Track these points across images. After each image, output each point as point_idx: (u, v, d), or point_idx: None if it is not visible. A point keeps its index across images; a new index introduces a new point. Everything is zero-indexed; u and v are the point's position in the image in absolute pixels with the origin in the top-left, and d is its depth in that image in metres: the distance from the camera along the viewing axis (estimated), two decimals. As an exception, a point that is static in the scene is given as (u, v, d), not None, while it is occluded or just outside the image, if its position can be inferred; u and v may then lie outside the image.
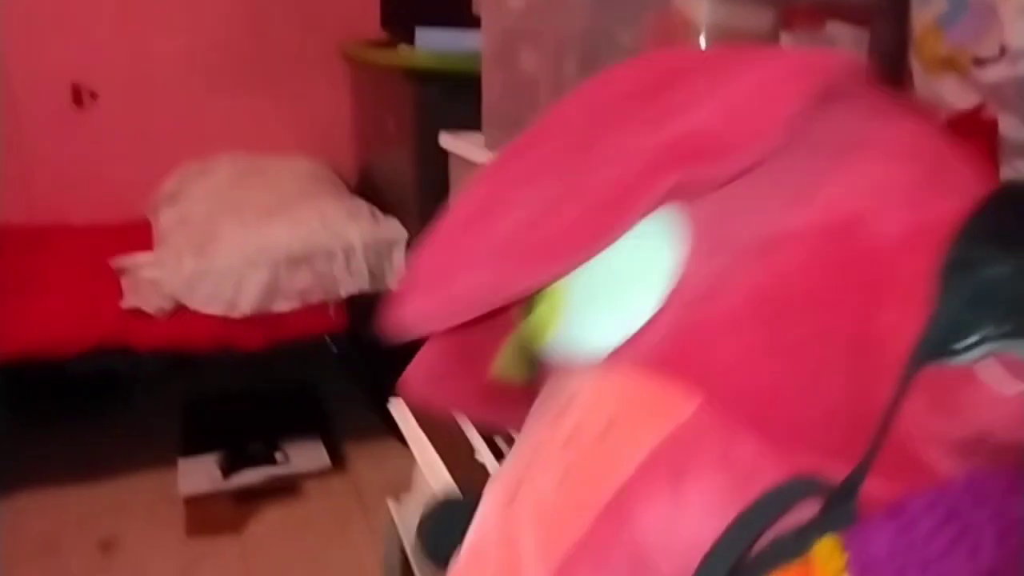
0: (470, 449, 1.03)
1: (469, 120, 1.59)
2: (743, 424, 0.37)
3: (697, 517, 0.37)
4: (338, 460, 2.07)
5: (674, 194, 0.37)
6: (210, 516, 1.85)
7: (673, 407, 0.38)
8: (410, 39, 1.84)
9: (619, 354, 0.41)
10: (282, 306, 1.88)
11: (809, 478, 0.36)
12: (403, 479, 1.97)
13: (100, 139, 2.40)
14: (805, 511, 0.36)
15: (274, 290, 1.86)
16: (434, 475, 0.96)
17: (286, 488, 1.96)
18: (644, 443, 0.38)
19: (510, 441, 0.94)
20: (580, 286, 0.42)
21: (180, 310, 1.82)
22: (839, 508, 0.36)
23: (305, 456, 2.05)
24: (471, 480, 0.92)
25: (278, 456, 2.03)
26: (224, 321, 1.83)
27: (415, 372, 0.54)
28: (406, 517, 1.08)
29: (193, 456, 2.02)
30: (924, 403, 0.35)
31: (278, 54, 2.53)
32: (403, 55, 1.90)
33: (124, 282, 1.84)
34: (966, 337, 0.34)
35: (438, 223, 0.45)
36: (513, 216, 0.41)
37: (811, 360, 0.37)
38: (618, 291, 0.42)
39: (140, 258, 1.90)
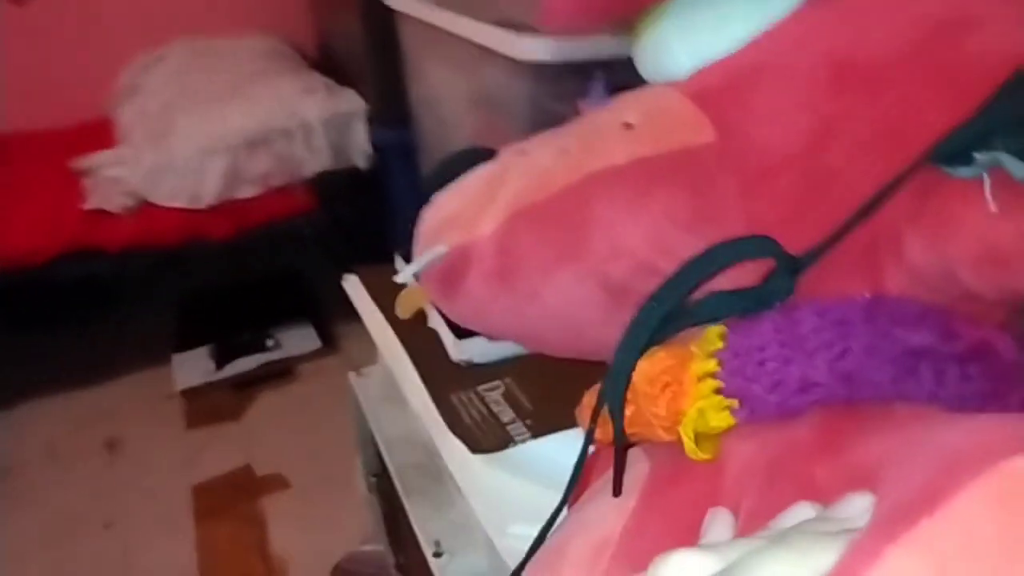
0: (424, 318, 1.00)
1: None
2: (741, 168, 0.38)
3: (646, 228, 0.39)
4: (329, 340, 2.08)
5: None
6: (208, 407, 1.88)
7: (689, 133, 0.39)
8: None
9: (688, 79, 0.43)
10: (246, 192, 1.82)
11: (766, 241, 0.37)
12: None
13: (47, 37, 2.28)
14: (747, 273, 0.37)
15: (236, 176, 1.80)
16: (389, 350, 0.93)
17: (280, 373, 1.98)
18: (643, 149, 0.40)
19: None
20: (679, 9, 0.44)
21: (146, 206, 1.78)
22: (778, 281, 0.36)
23: (296, 340, 2.06)
24: (422, 348, 0.88)
25: (269, 342, 2.03)
26: (190, 213, 1.79)
27: None
28: (366, 388, 1.07)
29: (186, 351, 2.03)
30: (908, 207, 0.35)
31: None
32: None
33: (86, 183, 1.79)
34: (988, 147, 0.32)
35: None
36: None
37: (838, 133, 0.37)
38: (712, 23, 0.43)
39: (101, 157, 1.84)
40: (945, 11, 0.38)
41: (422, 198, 0.51)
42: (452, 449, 0.68)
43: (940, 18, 0.38)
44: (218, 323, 2.15)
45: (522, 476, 0.63)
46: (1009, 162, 0.32)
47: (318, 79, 1.98)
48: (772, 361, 0.35)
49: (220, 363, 1.97)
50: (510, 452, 0.66)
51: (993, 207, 0.32)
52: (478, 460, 0.66)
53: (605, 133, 0.42)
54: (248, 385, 1.94)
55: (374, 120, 1.86)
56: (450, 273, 0.45)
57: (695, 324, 0.38)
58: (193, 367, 1.97)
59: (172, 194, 1.77)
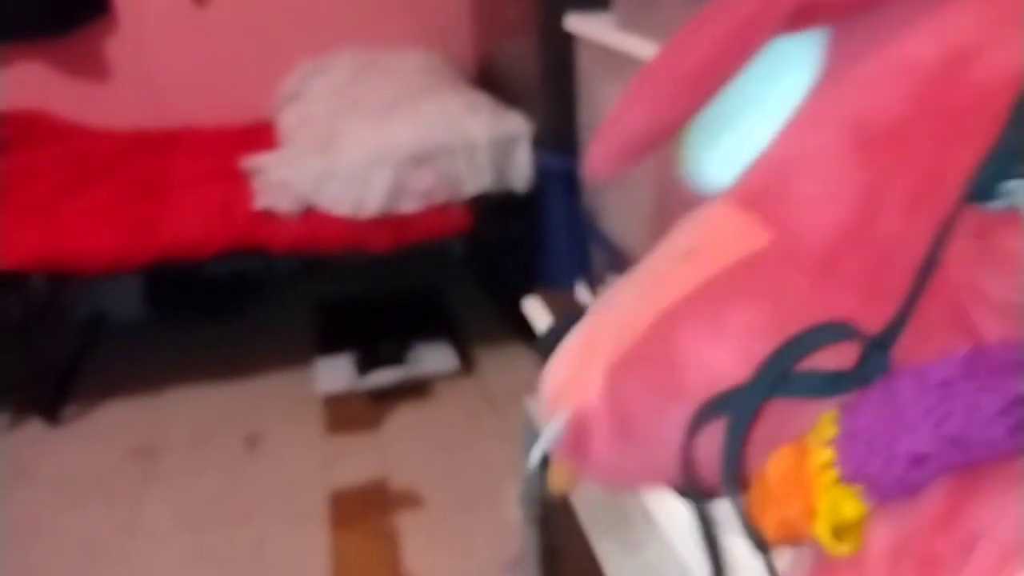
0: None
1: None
2: (799, 261, 0.38)
3: (731, 346, 0.39)
4: (465, 362, 2.07)
5: (800, 19, 0.38)
6: (347, 413, 1.90)
7: (746, 239, 0.40)
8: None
9: (727, 191, 0.43)
10: (407, 206, 1.84)
11: (846, 324, 0.36)
12: (530, 383, 1.96)
13: (220, 38, 2.39)
14: (841, 356, 0.37)
15: (399, 190, 1.82)
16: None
17: (417, 388, 1.98)
18: (707, 270, 0.40)
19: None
20: (701, 126, 0.44)
21: (309, 211, 1.82)
22: (872, 361, 0.36)
23: (435, 358, 2.06)
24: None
25: (409, 357, 2.04)
26: (352, 222, 1.82)
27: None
28: (542, 416, 1.04)
29: (328, 356, 2.06)
30: (971, 251, 0.34)
31: (392, -59, 2.42)
32: (526, -69, 1.75)
33: (255, 183, 1.84)
34: (1018, 174, 0.32)
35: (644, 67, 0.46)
36: (668, 48, 0.43)
37: (880, 199, 0.37)
38: (736, 128, 0.43)
39: (268, 158, 1.90)
40: (939, 50, 0.37)
41: (542, 343, 0.53)
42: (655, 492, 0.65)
43: (936, 58, 0.37)
44: (359, 330, 2.17)
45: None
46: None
47: (483, 98, 1.99)
48: (880, 438, 0.34)
49: (362, 371, 1.99)
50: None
51: None
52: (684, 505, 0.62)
53: (669, 266, 0.43)
54: (386, 396, 1.95)
55: (538, 144, 1.85)
56: (576, 443, 0.46)
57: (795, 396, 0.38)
58: (335, 372, 2.00)
59: (337, 201, 1.80)
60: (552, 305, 1.02)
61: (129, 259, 1.77)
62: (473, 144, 1.83)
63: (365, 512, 1.61)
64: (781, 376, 0.37)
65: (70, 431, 1.93)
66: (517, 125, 1.88)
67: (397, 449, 1.78)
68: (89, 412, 1.98)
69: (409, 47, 2.40)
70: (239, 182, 1.86)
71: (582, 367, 0.45)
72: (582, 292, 1.09)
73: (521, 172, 1.88)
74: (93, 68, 2.33)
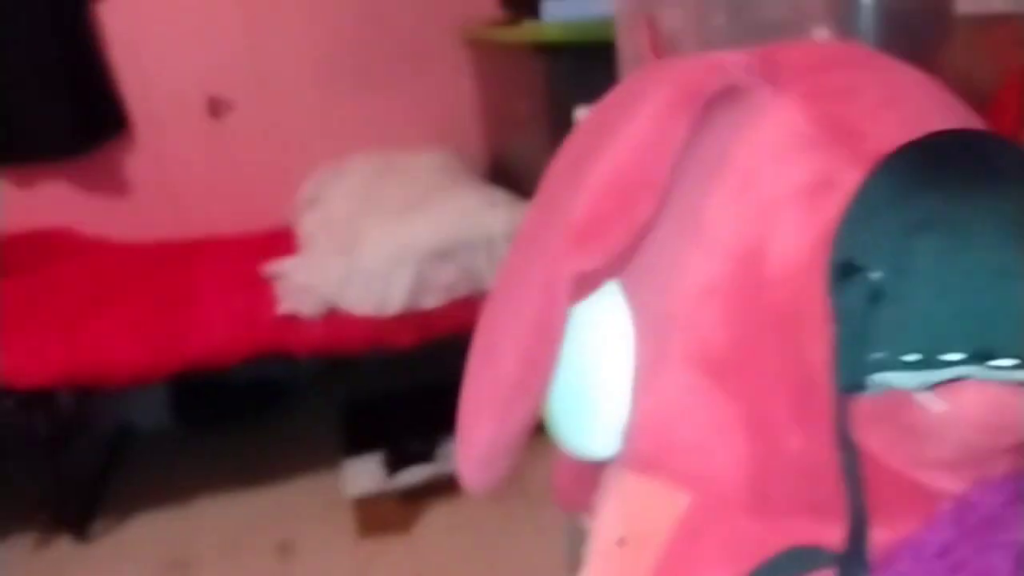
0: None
1: (604, 92, 1.51)
2: (730, 507, 0.37)
3: None
4: (495, 454, 2.04)
5: (582, 288, 0.37)
6: (378, 516, 1.87)
7: (665, 510, 0.38)
8: (534, 13, 1.77)
9: (622, 457, 0.41)
10: (430, 302, 1.86)
11: (805, 549, 0.35)
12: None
13: (238, 149, 2.46)
14: None
15: (421, 286, 1.84)
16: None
17: (449, 486, 1.95)
18: (649, 556, 0.38)
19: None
20: (556, 405, 0.42)
21: (332, 312, 1.83)
22: (852, 572, 0.34)
23: (463, 451, 2.03)
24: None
25: (438, 453, 2.02)
26: (375, 321, 1.83)
27: (558, 481, 0.57)
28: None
29: (356, 457, 2.05)
30: (888, 431, 0.34)
31: (399, 47, 2.51)
32: (529, 30, 1.83)
33: (277, 288, 1.87)
34: (870, 368, 0.31)
35: (468, 365, 0.45)
36: (499, 350, 0.41)
37: (765, 422, 0.36)
38: (586, 400, 0.41)
39: (289, 263, 1.93)
40: (725, 264, 0.36)
41: None
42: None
43: (727, 273, 0.36)
44: (386, 429, 2.16)
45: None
46: (897, 380, 0.31)
47: (498, 193, 2.03)
48: None
49: (390, 471, 1.97)
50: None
51: (939, 406, 0.31)
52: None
53: (612, 563, 0.41)
54: (416, 496, 1.93)
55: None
56: None
57: None
58: (364, 473, 1.98)
59: (360, 301, 1.82)
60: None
61: (155, 370, 1.78)
62: (492, 238, 1.86)
63: (403, 621, 1.57)
64: None
65: (100, 547, 1.90)
66: (533, 217, 1.92)
67: (432, 551, 1.75)
68: (119, 527, 1.96)
69: (423, 148, 2.46)
70: (262, 289, 1.88)
71: None
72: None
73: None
74: (114, 184, 2.40)
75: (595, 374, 0.40)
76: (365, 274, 1.83)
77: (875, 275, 0.30)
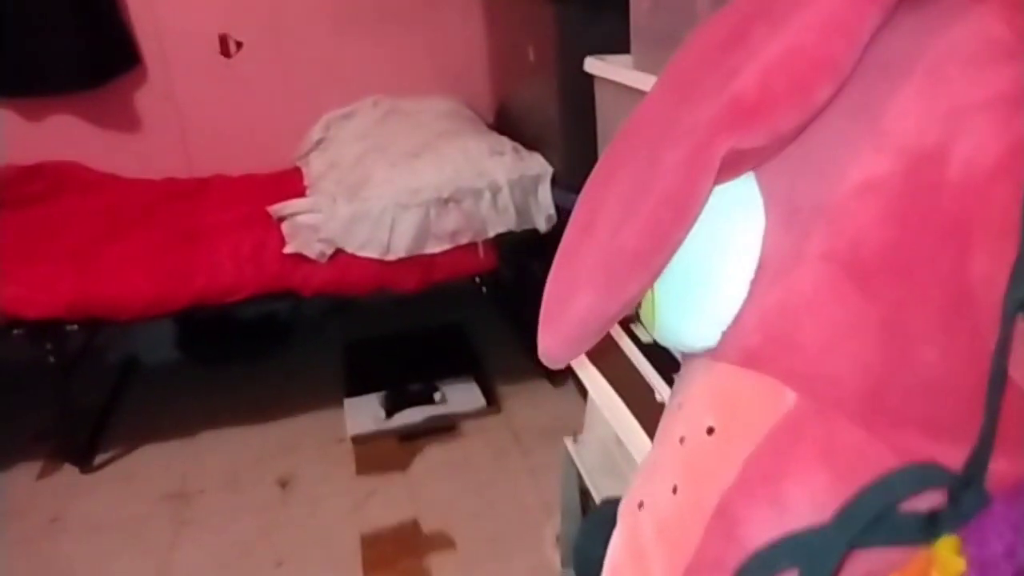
0: (648, 389, 0.98)
1: (616, 42, 1.50)
2: (841, 413, 0.35)
3: (803, 517, 0.35)
4: (491, 400, 2.08)
5: (731, 167, 0.35)
6: (376, 455, 1.92)
7: (768, 406, 0.37)
8: (548, -39, 1.75)
9: (719, 350, 0.40)
10: (434, 247, 1.87)
11: (924, 465, 0.34)
12: (556, 421, 1.98)
13: (248, 89, 2.45)
14: (926, 500, 0.34)
15: (425, 231, 1.85)
16: (615, 416, 0.92)
17: (445, 428, 2.00)
18: (742, 448, 0.37)
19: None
20: (666, 288, 0.41)
21: (338, 254, 1.85)
22: (966, 497, 0.33)
23: (461, 397, 2.08)
24: (654, 421, 0.86)
25: (436, 396, 2.06)
26: (380, 264, 1.85)
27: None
28: (584, 456, 1.04)
29: (356, 397, 2.09)
30: None
31: (412, -9, 2.49)
32: (542, -24, 1.81)
33: (284, 228, 1.88)
34: None
35: (562, 241, 0.43)
36: (605, 222, 0.40)
37: (903, 330, 0.34)
38: (701, 288, 0.40)
39: (296, 204, 1.94)
40: (897, 162, 0.35)
41: (577, 562, 0.50)
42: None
43: (898, 171, 0.35)
44: (387, 371, 2.20)
45: None
46: None
47: (505, 141, 2.03)
48: None
49: (390, 412, 2.02)
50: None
51: None
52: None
53: (697, 452, 0.39)
54: (414, 437, 1.97)
55: (559, 183, 1.89)
56: None
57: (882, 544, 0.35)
58: (364, 414, 2.02)
59: (365, 244, 1.84)
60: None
61: (164, 305, 1.81)
62: (496, 185, 1.87)
63: (397, 554, 1.61)
64: (865, 522, 0.34)
65: (103, 477, 1.95)
66: (539, 166, 1.92)
67: (427, 490, 1.79)
68: (122, 457, 2.01)
69: (431, 94, 2.46)
70: (269, 228, 1.90)
71: None
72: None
73: (543, 211, 1.91)
74: (124, 120, 2.40)
75: (715, 262, 0.39)
76: (371, 217, 1.84)
77: None
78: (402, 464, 1.88)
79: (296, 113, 2.44)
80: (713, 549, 0.37)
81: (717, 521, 0.37)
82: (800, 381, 0.36)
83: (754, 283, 0.39)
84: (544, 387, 2.14)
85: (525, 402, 2.09)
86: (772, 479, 0.36)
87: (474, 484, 1.79)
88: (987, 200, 0.33)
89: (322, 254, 1.84)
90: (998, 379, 0.32)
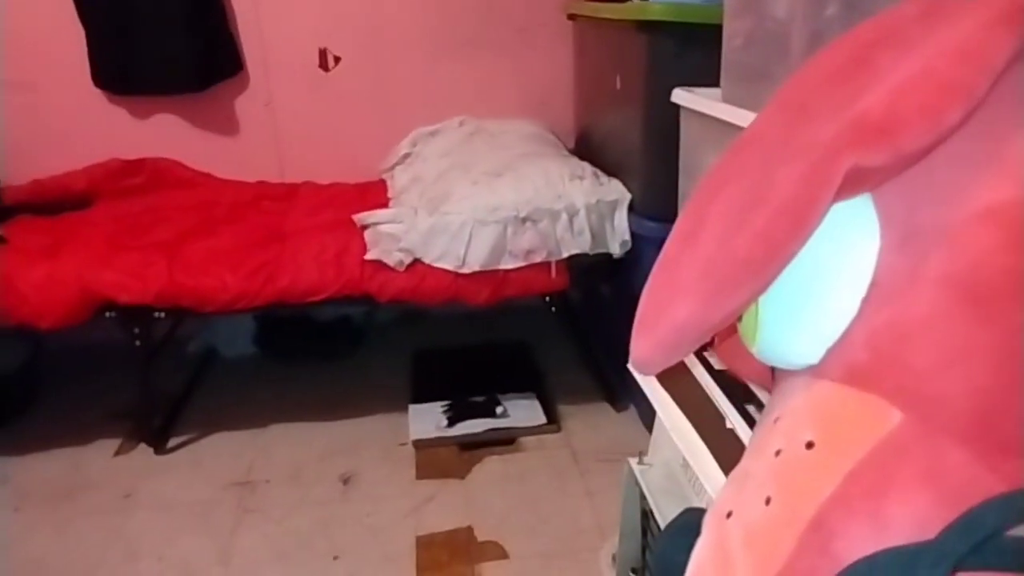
0: (719, 416, 0.99)
1: (704, 75, 1.53)
2: (948, 435, 0.35)
3: (903, 535, 0.34)
4: (552, 419, 2.10)
5: (852, 185, 0.35)
6: (436, 460, 1.96)
7: (872, 424, 0.37)
8: (640, -9, 1.79)
9: (822, 367, 0.40)
10: (508, 264, 1.91)
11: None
12: (616, 444, 1.99)
13: (342, 102, 2.56)
14: None
15: (501, 248, 1.89)
16: (684, 440, 0.93)
17: (504, 441, 2.03)
18: (843, 464, 0.36)
19: (761, 409, 0.89)
20: (772, 303, 0.41)
21: (415, 264, 1.91)
22: None
23: (523, 412, 2.10)
24: (723, 447, 0.87)
25: (498, 410, 2.09)
26: (455, 276, 1.90)
27: (721, 348, 0.56)
28: (648, 477, 1.06)
29: (420, 404, 2.14)
30: None
31: (505, 17, 2.56)
32: (634, 8, 1.85)
33: (367, 236, 1.95)
34: None
35: (662, 251, 0.43)
36: (712, 232, 0.40)
37: (1019, 356, 0.34)
38: (810, 304, 0.40)
39: (379, 214, 2.01)
40: (1019, 191, 0.35)
41: (659, 568, 0.50)
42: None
43: (1020, 199, 0.34)
44: (451, 381, 2.25)
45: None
46: None
47: (586, 166, 2.07)
48: None
49: (452, 421, 2.06)
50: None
51: None
52: None
53: (794, 465, 0.39)
54: (474, 447, 2.00)
55: (636, 211, 1.92)
56: None
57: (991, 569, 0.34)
58: (427, 420, 2.07)
59: (442, 256, 1.89)
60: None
61: (248, 300, 1.89)
62: (574, 208, 1.90)
63: (451, 559, 1.64)
64: (973, 543, 0.33)
65: (175, 460, 2.03)
66: (617, 192, 1.95)
67: (484, 500, 1.82)
68: (194, 443, 2.09)
69: (515, 117, 2.52)
70: (353, 235, 1.97)
71: None
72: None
73: (619, 236, 1.94)
74: (224, 123, 2.53)
75: (826, 279, 0.39)
76: (449, 231, 1.89)
77: None
78: (460, 472, 1.92)
79: (385, 128, 2.54)
80: (805, 561, 0.37)
81: (812, 534, 0.37)
82: (908, 401, 0.36)
83: (865, 302, 0.39)
84: (605, 411, 2.16)
85: (585, 424, 2.11)
86: (873, 495, 0.36)
87: (530, 499, 1.81)
88: None
89: (400, 263, 1.90)
90: None
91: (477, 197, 1.94)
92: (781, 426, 0.41)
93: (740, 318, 0.44)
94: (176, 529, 1.76)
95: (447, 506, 1.80)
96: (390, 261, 1.89)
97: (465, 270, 1.90)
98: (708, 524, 0.43)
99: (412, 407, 2.13)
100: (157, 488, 1.91)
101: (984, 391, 0.35)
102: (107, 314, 1.92)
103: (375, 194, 2.32)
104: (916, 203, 0.38)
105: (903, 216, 0.38)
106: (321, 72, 2.52)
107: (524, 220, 1.90)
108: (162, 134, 2.50)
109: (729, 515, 0.41)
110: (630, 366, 0.43)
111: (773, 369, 0.47)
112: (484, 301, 1.94)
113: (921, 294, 0.37)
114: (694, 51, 1.61)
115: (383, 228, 1.95)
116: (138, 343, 1.98)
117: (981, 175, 0.36)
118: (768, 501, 0.39)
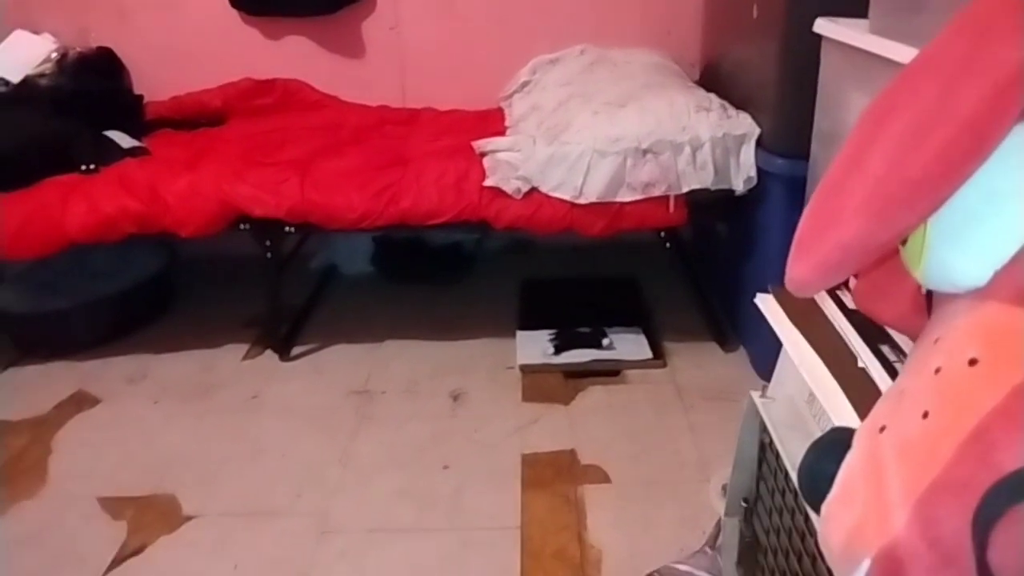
0: (851, 355, 0.98)
1: (850, 4, 1.46)
2: None
3: None
4: (658, 354, 2.12)
5: None
6: (542, 386, 2.01)
7: None
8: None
9: (989, 288, 0.40)
10: (625, 196, 1.91)
11: None
12: (721, 383, 1.99)
13: (466, 28, 2.57)
14: None
15: (619, 180, 1.89)
16: (813, 376, 0.92)
17: (609, 372, 2.06)
18: (1008, 379, 0.37)
19: (896, 350, 0.87)
20: (942, 225, 0.41)
21: (532, 192, 1.93)
22: None
23: (629, 346, 2.13)
24: (854, 384, 0.87)
25: (605, 341, 2.12)
26: (570, 206, 1.91)
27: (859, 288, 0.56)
28: (770, 411, 1.05)
29: (528, 331, 2.19)
30: None
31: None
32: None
33: (485, 163, 1.98)
34: None
35: (824, 177, 0.44)
36: (882, 154, 0.39)
37: None
38: (982, 226, 0.39)
39: (498, 142, 2.04)
40: None
41: (803, 485, 0.51)
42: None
43: None
44: (559, 310, 2.29)
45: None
46: None
47: (713, 98, 2.02)
48: None
49: (558, 349, 2.11)
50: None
51: None
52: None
53: (956, 380, 0.39)
54: (579, 376, 2.05)
55: (765, 146, 1.86)
56: None
57: None
58: (534, 347, 2.12)
59: (559, 186, 1.90)
60: (787, 304, 1.03)
61: (372, 219, 1.96)
62: (699, 141, 1.87)
63: (554, 478, 1.70)
64: None
65: (298, 367, 2.17)
66: (746, 125, 1.89)
67: (587, 426, 1.87)
68: (316, 352, 2.22)
69: (637, 46, 2.47)
70: (472, 161, 2.01)
71: (874, 505, 0.42)
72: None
73: (744, 172, 1.89)
74: (351, 46, 2.60)
75: (1001, 202, 0.39)
76: (568, 161, 1.90)
77: None
78: (565, 399, 1.97)
79: (505, 55, 2.53)
80: (964, 469, 0.38)
81: (972, 444, 0.38)
82: None
83: None
84: (713, 350, 2.15)
85: (691, 361, 2.11)
86: None
87: (633, 429, 1.85)
88: None
89: (518, 191, 1.92)
90: None
91: (597, 127, 1.93)
92: (942, 345, 0.42)
93: (904, 242, 0.45)
94: (298, 430, 1.89)
95: (551, 429, 1.86)
96: (508, 188, 1.92)
97: (582, 200, 1.90)
98: (860, 437, 0.45)
99: (520, 333, 2.18)
100: (281, 392, 2.05)
101: None
102: (241, 226, 2.03)
103: (493, 122, 2.34)
104: None
105: None
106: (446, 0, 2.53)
107: (645, 152, 1.88)
108: (291, 55, 2.59)
109: (882, 429, 0.43)
110: (787, 286, 0.44)
111: (930, 295, 0.47)
112: (598, 233, 1.94)
113: None
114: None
115: (501, 156, 1.97)
116: (269, 255, 2.09)
117: None
118: (926, 415, 0.40)
